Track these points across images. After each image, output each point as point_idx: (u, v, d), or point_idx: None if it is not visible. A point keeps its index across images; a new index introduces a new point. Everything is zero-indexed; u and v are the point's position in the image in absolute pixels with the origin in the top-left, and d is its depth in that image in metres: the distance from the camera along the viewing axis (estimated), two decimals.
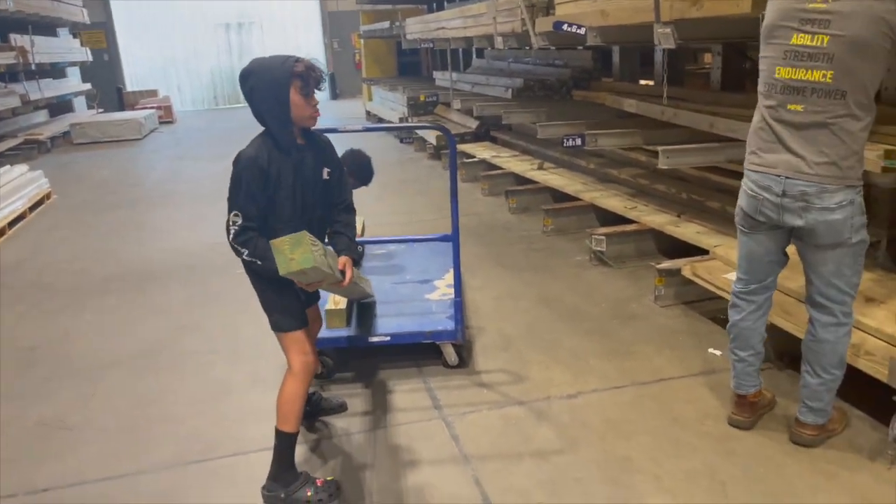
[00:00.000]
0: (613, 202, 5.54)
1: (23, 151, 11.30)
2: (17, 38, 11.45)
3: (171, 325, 4.29)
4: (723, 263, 3.89)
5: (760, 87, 2.53)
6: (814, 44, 2.32)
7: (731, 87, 5.52)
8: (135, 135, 13.46)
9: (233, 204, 2.39)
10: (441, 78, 10.68)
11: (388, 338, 3.54)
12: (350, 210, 2.73)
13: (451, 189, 3.43)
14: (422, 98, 10.51)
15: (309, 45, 20.36)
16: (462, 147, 8.64)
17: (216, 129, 14.67)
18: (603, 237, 4.94)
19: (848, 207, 2.40)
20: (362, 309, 3.82)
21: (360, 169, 4.12)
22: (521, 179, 7.08)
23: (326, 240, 2.67)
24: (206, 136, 13.70)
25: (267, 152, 2.41)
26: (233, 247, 2.40)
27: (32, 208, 7.54)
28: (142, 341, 4.08)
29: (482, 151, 8.28)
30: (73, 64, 15.56)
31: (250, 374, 3.56)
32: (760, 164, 2.51)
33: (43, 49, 12.67)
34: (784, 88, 2.41)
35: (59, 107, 14.75)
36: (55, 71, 14.43)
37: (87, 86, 16.00)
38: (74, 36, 16.42)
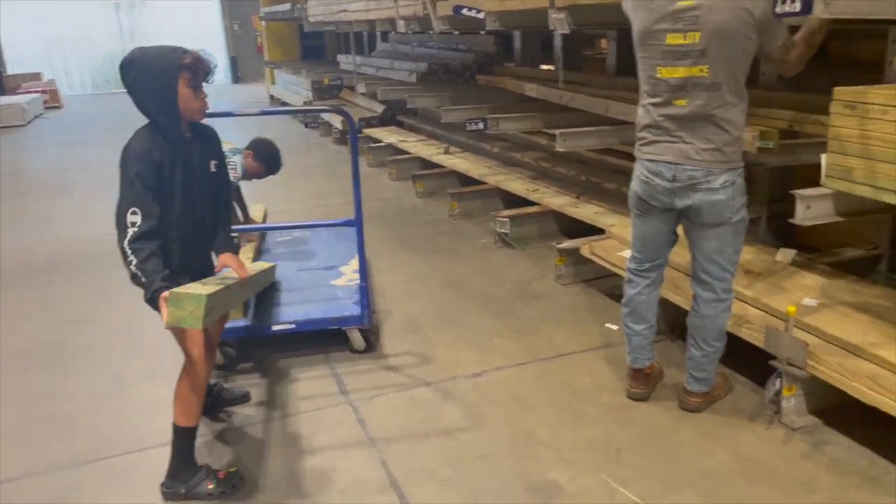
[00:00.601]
0: (517, 185, 5.66)
1: None
2: None
3: (62, 320, 4.08)
4: (618, 242, 4.05)
5: (644, 87, 2.66)
6: (687, 42, 2.45)
7: (626, 72, 5.72)
8: (17, 121, 12.65)
9: (128, 200, 2.24)
10: (345, 61, 10.54)
11: (293, 325, 3.50)
12: (228, 202, 2.74)
13: (353, 172, 3.41)
14: (326, 82, 10.35)
15: (207, 27, 19.61)
16: (368, 131, 8.58)
17: (108, 115, 13.92)
18: (507, 219, 5.04)
19: (730, 188, 2.56)
20: (266, 297, 3.75)
21: (268, 157, 4.06)
22: (427, 164, 7.11)
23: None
24: (97, 122, 13.01)
25: (156, 145, 2.31)
26: (123, 250, 2.23)
27: None
28: (28, 339, 3.86)
29: (388, 136, 8.25)
30: None
31: (147, 368, 3.44)
32: (652, 153, 2.65)
33: None
34: (668, 87, 2.54)
35: None
36: None
37: None
38: None
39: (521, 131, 5.94)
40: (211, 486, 2.44)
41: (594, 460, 2.62)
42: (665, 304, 3.43)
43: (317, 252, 4.48)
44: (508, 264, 4.76)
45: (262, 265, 3.58)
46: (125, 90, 2.33)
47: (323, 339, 3.60)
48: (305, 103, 10.42)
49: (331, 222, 4.19)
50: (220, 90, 16.62)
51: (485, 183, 6.02)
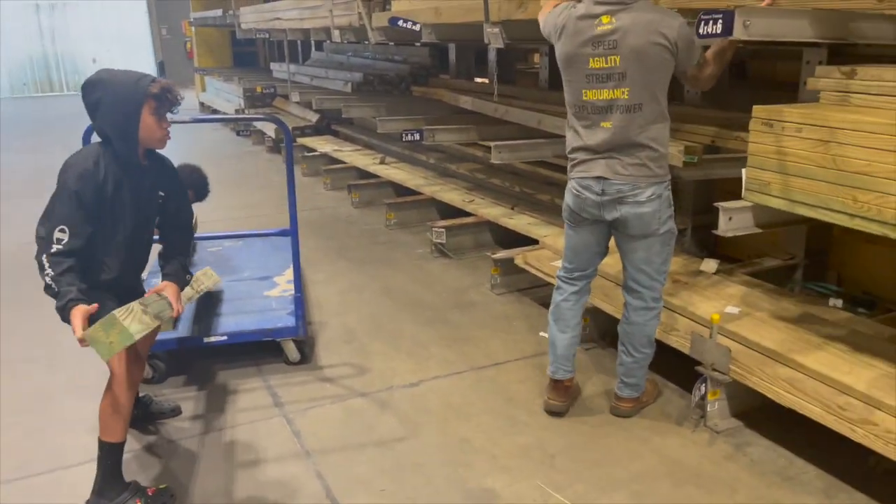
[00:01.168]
0: (452, 196, 5.71)
1: None
2: None
3: None
4: (551, 252, 4.13)
5: (571, 109, 2.76)
6: (608, 65, 2.56)
7: (558, 87, 5.84)
8: None
9: (57, 216, 2.21)
10: (279, 70, 10.42)
11: (226, 337, 3.43)
12: (188, 233, 2.69)
13: (288, 181, 3.38)
14: (259, 90, 10.20)
15: (133, 30, 19.04)
16: (303, 141, 8.50)
17: (28, 119, 13.34)
18: (443, 230, 5.08)
19: (656, 201, 2.66)
20: (198, 308, 3.67)
21: (196, 185, 3.97)
22: (363, 174, 7.10)
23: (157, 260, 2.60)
24: (16, 126, 12.42)
25: (105, 167, 2.28)
26: (41, 262, 2.19)
27: None
28: None
29: (324, 145, 8.19)
30: None
31: (71, 381, 3.31)
32: (582, 171, 2.74)
33: None
34: (594, 109, 2.64)
35: None
36: None
37: None
38: None
39: (456, 143, 6.00)
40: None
41: (529, 466, 2.66)
42: (596, 313, 3.53)
43: (249, 263, 4.41)
44: (444, 274, 4.79)
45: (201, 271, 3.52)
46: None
47: (256, 351, 3.54)
48: (237, 111, 10.23)
49: (266, 232, 4.14)
50: None
51: (421, 193, 6.05)
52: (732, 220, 2.79)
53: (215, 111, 11.99)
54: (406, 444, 2.83)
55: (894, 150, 2.15)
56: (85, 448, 2.56)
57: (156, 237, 2.63)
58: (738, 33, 2.45)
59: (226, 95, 11.74)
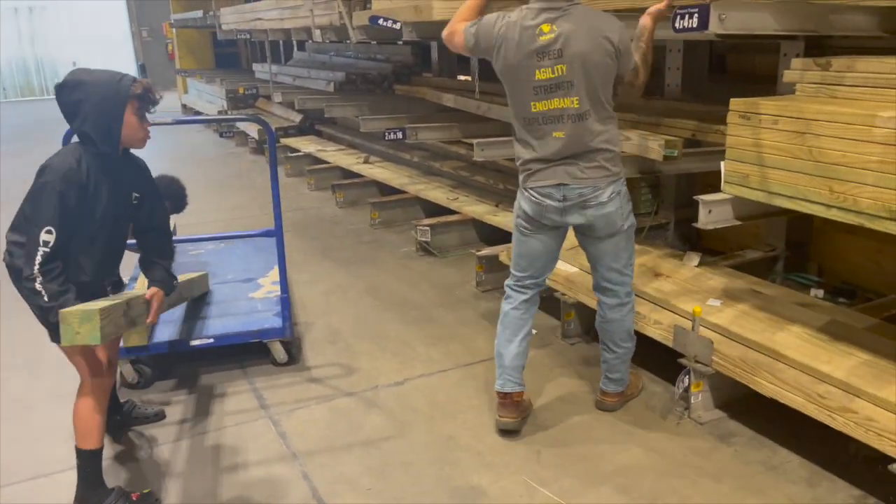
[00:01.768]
0: (437, 194, 5.71)
1: None
2: None
3: None
4: None
5: (520, 122, 2.66)
6: (556, 75, 2.52)
7: None
8: None
9: (43, 217, 2.19)
10: (261, 70, 10.36)
11: (212, 340, 3.41)
12: (166, 234, 2.65)
13: (272, 182, 3.37)
14: (241, 91, 10.15)
15: (114, 32, 18.88)
16: (286, 141, 8.47)
17: (7, 125, 13.18)
18: (428, 228, 5.08)
19: (617, 198, 2.65)
20: (184, 312, 3.65)
21: (173, 196, 3.91)
22: (347, 173, 7.08)
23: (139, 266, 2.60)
24: None
25: (87, 167, 2.28)
26: (25, 270, 2.18)
27: None
28: None
29: (307, 145, 8.17)
30: None
31: (52, 388, 3.27)
32: (539, 180, 2.66)
33: None
34: (545, 119, 2.59)
35: None
36: None
37: None
38: None
39: (439, 141, 6.00)
40: None
41: (515, 462, 2.67)
42: (581, 308, 3.55)
43: (234, 265, 4.39)
44: (429, 272, 4.79)
45: (190, 275, 3.51)
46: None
47: (242, 353, 3.53)
48: (220, 112, 10.18)
49: (250, 233, 4.13)
50: None
51: (405, 192, 6.05)
52: (712, 213, 2.81)
53: (198, 113, 11.93)
54: (392, 443, 2.83)
55: (868, 141, 2.17)
56: (67, 455, 2.53)
57: (132, 242, 2.61)
58: (714, 27, 2.47)
59: (208, 97, 11.68)
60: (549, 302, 3.91)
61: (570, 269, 3.62)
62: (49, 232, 2.18)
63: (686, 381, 2.87)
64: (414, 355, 3.58)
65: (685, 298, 3.17)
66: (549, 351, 3.57)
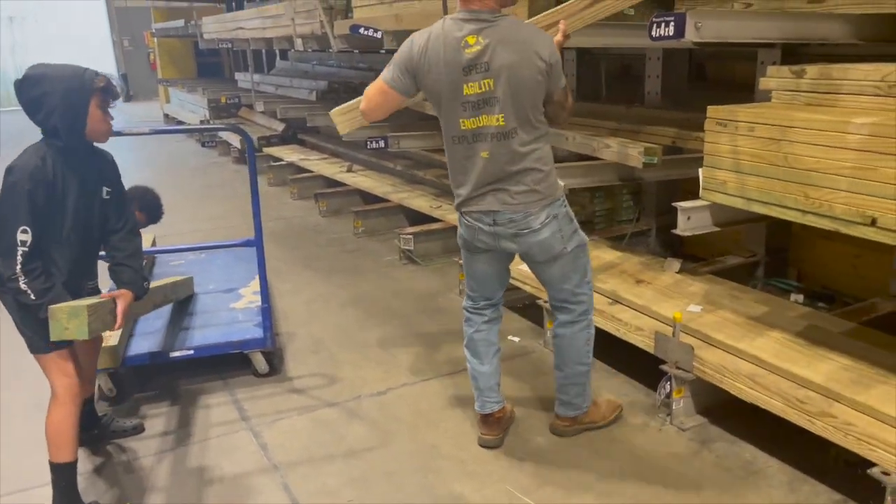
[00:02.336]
0: (420, 202, 5.71)
1: None
2: None
3: None
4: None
5: (450, 140, 2.52)
6: (483, 90, 2.37)
7: None
8: None
9: (16, 218, 2.18)
10: (243, 79, 10.34)
11: (192, 351, 3.38)
12: (134, 234, 2.61)
13: (251, 190, 3.36)
14: (223, 100, 10.12)
15: (96, 42, 18.75)
16: (269, 150, 8.44)
17: None
18: (411, 236, 5.08)
19: (553, 223, 2.51)
20: (163, 322, 3.61)
21: (148, 206, 3.85)
22: (330, 182, 7.06)
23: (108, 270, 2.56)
24: None
25: (52, 163, 2.26)
26: (11, 277, 2.18)
27: None
28: None
29: (290, 154, 8.15)
30: None
31: (33, 399, 3.22)
32: (471, 206, 2.55)
33: None
34: (474, 137, 2.44)
35: None
36: None
37: None
38: None
39: (422, 149, 6.01)
40: None
41: (497, 471, 2.66)
42: None
43: (215, 275, 4.36)
44: (412, 281, 4.78)
45: (175, 278, 3.49)
46: (21, 104, 2.28)
47: (222, 364, 3.49)
48: (202, 122, 10.14)
49: (230, 243, 4.10)
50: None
51: (388, 201, 6.04)
52: (691, 220, 2.83)
53: (180, 122, 11.86)
54: (375, 453, 2.81)
55: (842, 147, 2.20)
56: (45, 469, 2.50)
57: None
58: (690, 35, 2.49)
59: (190, 106, 11.63)
60: (532, 309, 3.93)
61: None
62: (25, 231, 2.19)
63: (667, 387, 2.88)
64: (397, 364, 3.56)
65: (666, 304, 3.18)
66: (532, 358, 3.57)
